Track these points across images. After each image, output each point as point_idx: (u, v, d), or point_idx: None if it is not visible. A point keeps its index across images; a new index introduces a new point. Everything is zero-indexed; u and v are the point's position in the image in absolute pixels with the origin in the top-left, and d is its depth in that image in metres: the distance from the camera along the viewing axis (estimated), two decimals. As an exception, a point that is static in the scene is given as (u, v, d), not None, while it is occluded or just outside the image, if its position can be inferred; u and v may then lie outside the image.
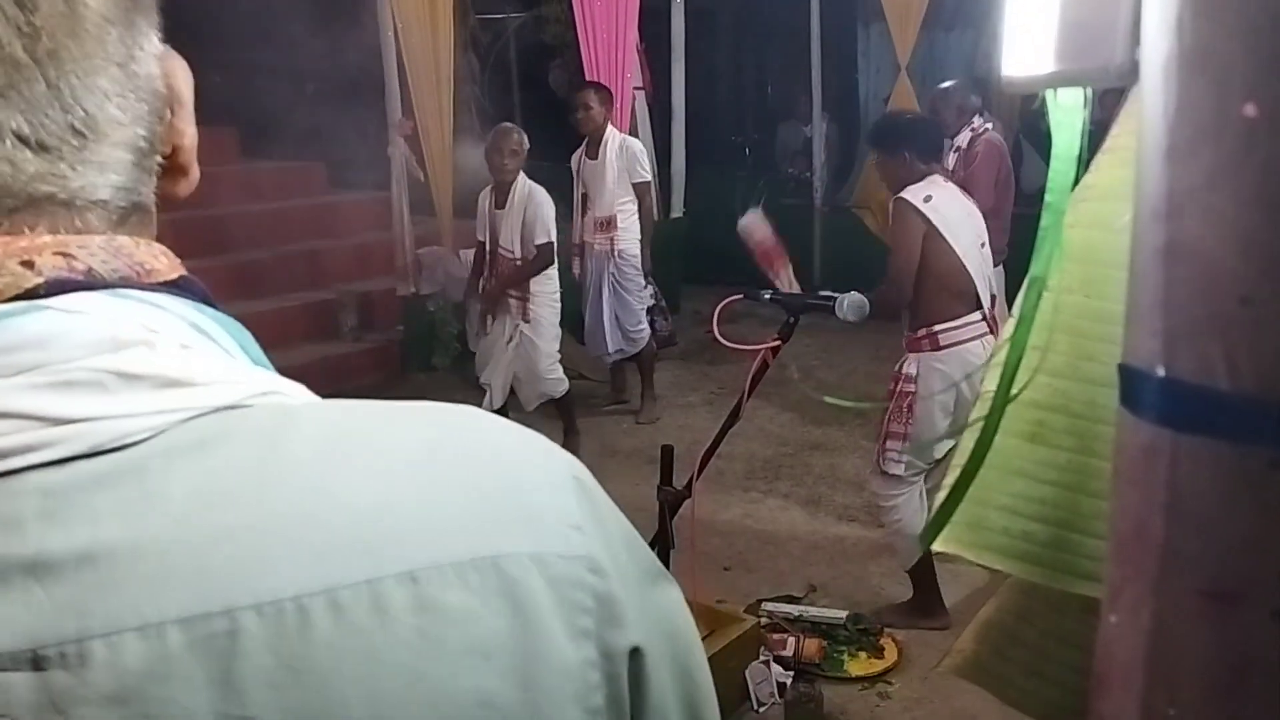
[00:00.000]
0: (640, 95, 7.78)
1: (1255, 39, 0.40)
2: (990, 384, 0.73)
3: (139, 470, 0.42)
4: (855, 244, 7.54)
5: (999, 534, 0.76)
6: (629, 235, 5.87)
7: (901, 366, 3.56)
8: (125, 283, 0.45)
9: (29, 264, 0.42)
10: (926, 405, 3.46)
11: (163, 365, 0.44)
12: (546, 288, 5.34)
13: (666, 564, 3.04)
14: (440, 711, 0.43)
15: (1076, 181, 0.58)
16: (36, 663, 0.39)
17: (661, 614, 0.52)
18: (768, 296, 2.63)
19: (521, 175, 5.30)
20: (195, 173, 0.53)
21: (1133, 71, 0.47)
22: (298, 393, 0.50)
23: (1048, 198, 0.57)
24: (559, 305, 5.46)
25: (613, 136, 5.83)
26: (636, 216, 5.85)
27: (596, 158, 5.83)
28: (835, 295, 2.39)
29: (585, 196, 5.98)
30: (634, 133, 6.89)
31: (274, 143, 7.87)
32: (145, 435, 0.43)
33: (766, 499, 4.94)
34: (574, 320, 6.36)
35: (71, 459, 0.41)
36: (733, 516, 4.73)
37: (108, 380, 0.42)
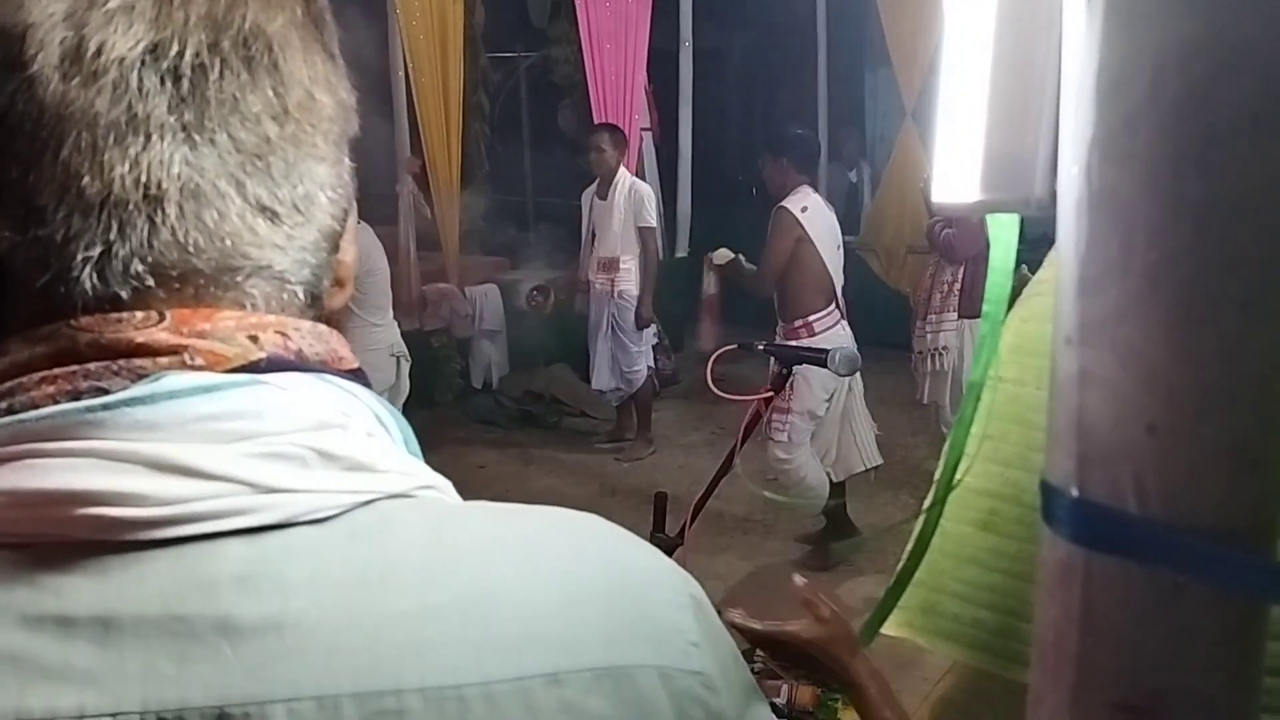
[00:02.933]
0: (648, 136, 7.85)
1: (1156, 184, 0.43)
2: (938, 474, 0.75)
3: (324, 548, 0.45)
4: (860, 284, 7.57)
5: (950, 620, 0.78)
6: (630, 277, 5.91)
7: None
8: (324, 367, 0.49)
9: (254, 339, 0.46)
10: (804, 382, 4.15)
11: (354, 448, 0.47)
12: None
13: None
14: None
15: (1013, 294, 0.60)
16: None
17: None
18: (761, 347, 2.64)
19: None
20: (351, 288, 0.57)
21: (1051, 203, 0.49)
22: (448, 488, 0.54)
23: (985, 307, 0.60)
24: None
25: (623, 179, 5.89)
26: (638, 261, 5.89)
27: (606, 198, 5.89)
28: (828, 349, 2.42)
29: (593, 235, 6.04)
30: (641, 173, 6.95)
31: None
32: (333, 512, 0.46)
33: (765, 542, 4.93)
34: (579, 356, 6.39)
35: (266, 529, 0.44)
36: (730, 560, 4.72)
37: (309, 457, 0.45)
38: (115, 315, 0.45)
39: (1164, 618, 0.45)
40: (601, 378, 6.09)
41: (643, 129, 7.60)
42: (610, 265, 5.91)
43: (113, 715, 0.41)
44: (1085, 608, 0.47)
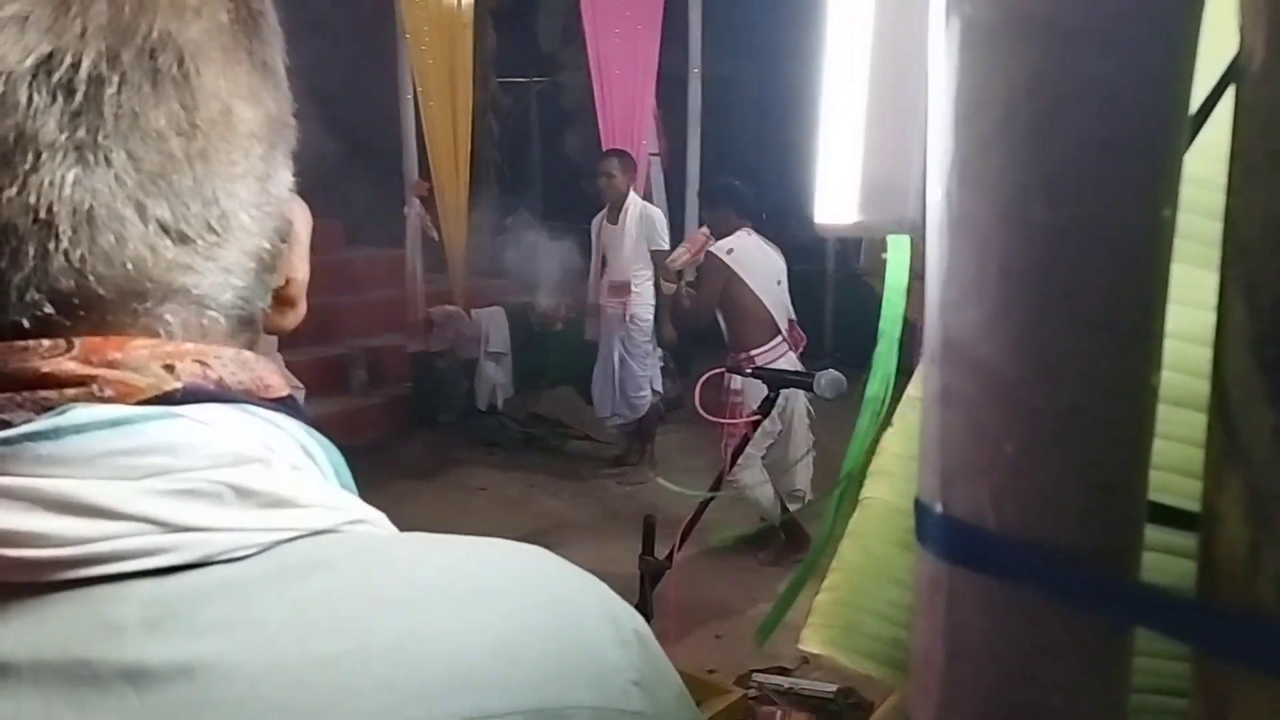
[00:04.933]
0: (656, 162, 7.90)
1: (1008, 209, 0.44)
2: (870, 490, 0.75)
3: (241, 589, 0.42)
4: (865, 310, 7.56)
5: (871, 639, 0.78)
6: (642, 300, 5.93)
7: (729, 384, 4.43)
8: (248, 396, 0.47)
9: (170, 368, 0.44)
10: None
11: (275, 483, 0.44)
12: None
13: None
14: None
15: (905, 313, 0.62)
16: None
17: None
18: (749, 371, 2.66)
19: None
20: (303, 308, 0.55)
21: (923, 225, 0.50)
22: (381, 521, 0.52)
23: (881, 325, 0.61)
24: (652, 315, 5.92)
25: (634, 203, 5.91)
26: (651, 283, 5.91)
27: (616, 223, 5.92)
28: (813, 373, 2.44)
29: (604, 260, 6.06)
30: (649, 198, 6.98)
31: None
32: (251, 551, 0.43)
33: (763, 567, 4.92)
34: (584, 380, 6.40)
35: (178, 569, 0.41)
36: (727, 585, 4.71)
37: (225, 493, 0.43)
38: (20, 344, 0.42)
39: (1024, 636, 0.46)
40: (605, 404, 6.10)
41: (651, 154, 7.63)
42: (621, 289, 5.93)
43: None
44: (950, 624, 0.48)
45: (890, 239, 0.58)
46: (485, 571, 0.51)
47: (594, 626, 0.50)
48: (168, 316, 0.45)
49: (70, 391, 0.42)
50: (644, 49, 6.99)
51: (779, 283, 4.69)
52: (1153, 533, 0.48)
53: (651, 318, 5.96)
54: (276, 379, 0.49)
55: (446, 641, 0.45)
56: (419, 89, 6.58)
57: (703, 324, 4.78)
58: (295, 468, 0.47)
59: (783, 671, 3.98)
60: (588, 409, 6.48)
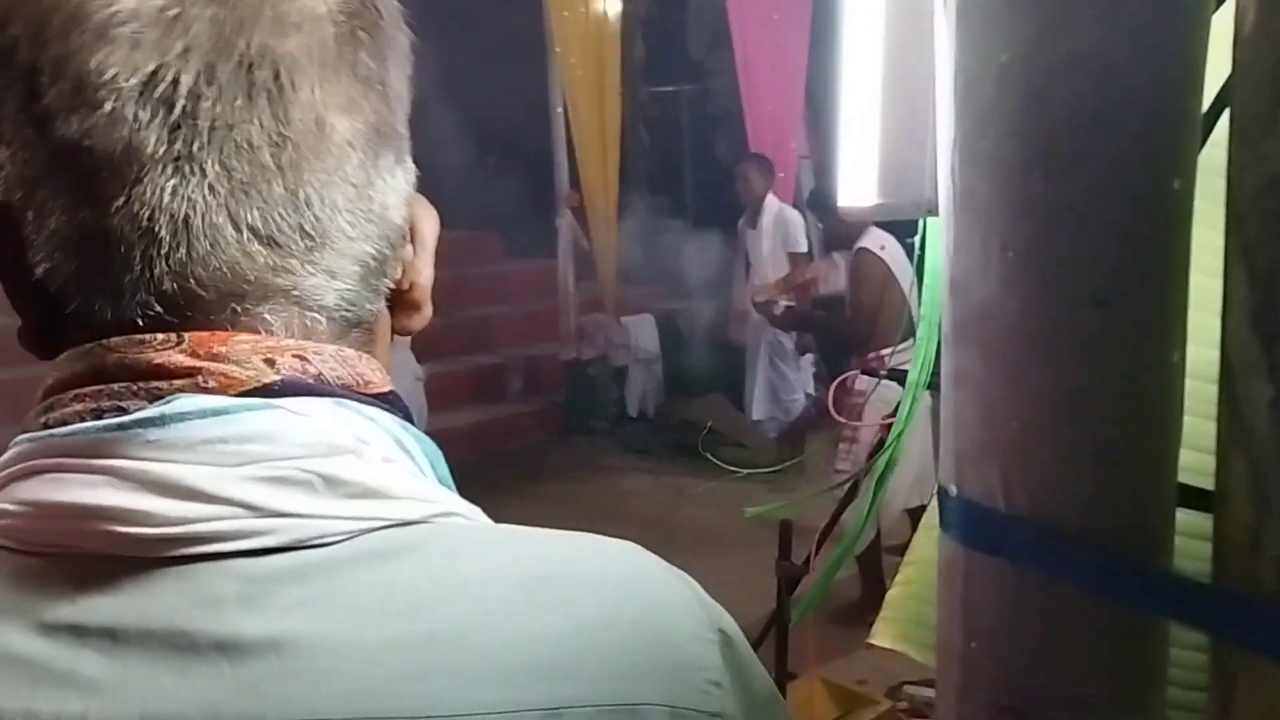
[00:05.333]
0: (806, 164, 7.82)
1: (1007, 184, 0.43)
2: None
3: (329, 570, 0.44)
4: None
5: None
6: (785, 303, 5.89)
7: (852, 386, 4.22)
8: (346, 391, 0.48)
9: (270, 362, 0.46)
10: (873, 414, 4.08)
11: (366, 474, 0.46)
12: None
13: (784, 639, 3.00)
14: None
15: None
16: None
17: None
18: (884, 374, 2.61)
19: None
20: (429, 310, 0.56)
21: (937, 206, 0.50)
22: (475, 514, 0.52)
23: (921, 309, 0.59)
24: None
25: (770, 206, 5.90)
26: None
27: (756, 227, 5.93)
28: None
29: (746, 265, 6.07)
30: (799, 200, 6.93)
31: (455, 214, 8.29)
32: (340, 538, 0.45)
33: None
34: (735, 386, 6.39)
35: (271, 551, 0.44)
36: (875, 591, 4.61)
37: (316, 482, 0.45)
38: (139, 337, 0.46)
39: (1036, 618, 0.45)
40: (760, 406, 6.08)
41: (801, 157, 7.57)
42: (766, 291, 5.92)
43: None
44: (966, 607, 0.47)
45: (929, 221, 0.58)
46: (566, 561, 0.51)
47: (675, 622, 0.49)
48: (267, 316, 0.47)
49: (178, 382, 0.45)
50: (792, 51, 6.93)
51: (912, 285, 4.52)
52: (1191, 517, 0.46)
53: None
54: (378, 376, 0.51)
55: (519, 628, 0.46)
56: (568, 101, 6.72)
57: (862, 331, 4.46)
58: (387, 460, 0.48)
59: (934, 685, 3.88)
60: (739, 415, 6.46)
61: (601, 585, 0.50)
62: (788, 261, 5.85)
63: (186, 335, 0.45)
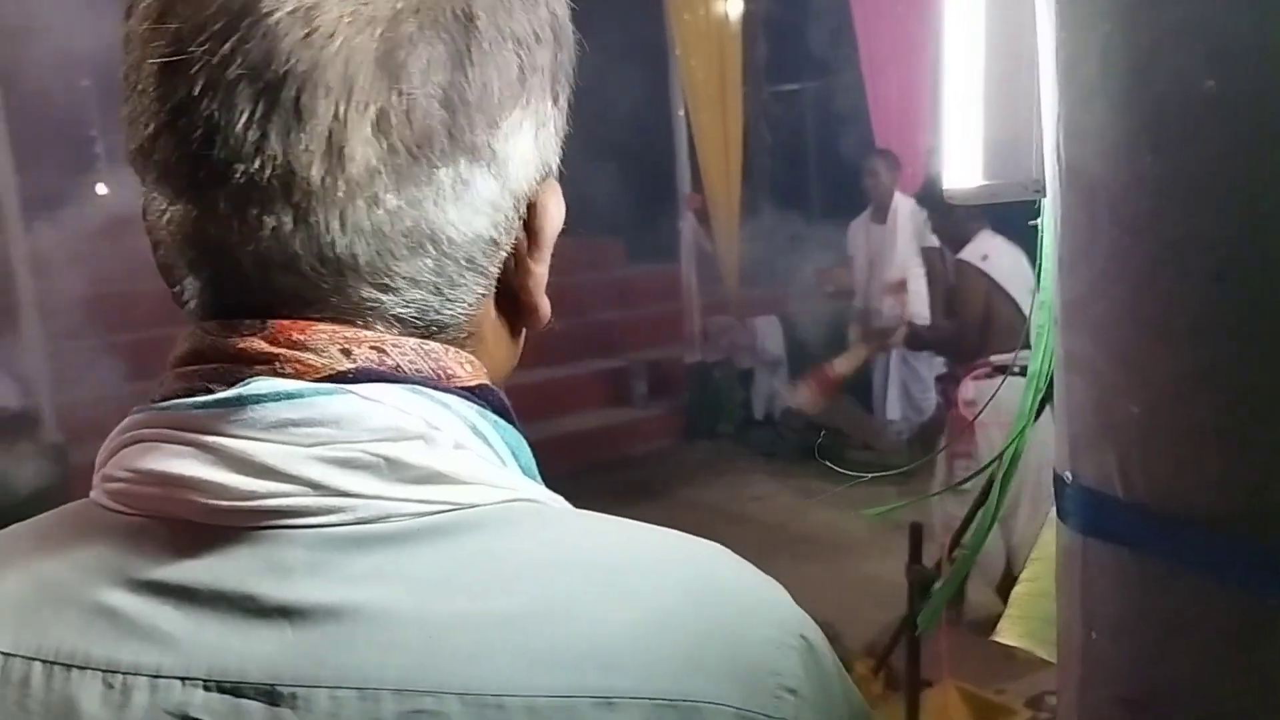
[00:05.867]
0: (936, 158, 7.67)
1: (1116, 161, 0.42)
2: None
3: (395, 545, 0.46)
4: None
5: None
6: (919, 299, 5.76)
7: (961, 394, 4.12)
8: (424, 382, 0.49)
9: (347, 352, 0.48)
10: (986, 425, 3.87)
11: (434, 460, 0.47)
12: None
13: (917, 645, 2.93)
14: None
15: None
16: (272, 697, 0.44)
17: None
18: (1015, 371, 2.53)
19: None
20: (545, 309, 0.56)
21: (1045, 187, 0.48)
22: (556, 503, 0.53)
23: (1039, 296, 0.57)
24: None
25: (901, 202, 5.78)
26: (925, 280, 5.75)
27: (884, 223, 5.82)
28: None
29: (870, 262, 5.97)
30: (928, 194, 6.79)
31: (577, 220, 8.41)
32: (405, 519, 0.46)
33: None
34: (861, 388, 6.30)
35: (338, 526, 0.46)
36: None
37: (382, 465, 0.46)
38: (231, 322, 0.48)
39: (1158, 608, 0.43)
40: (893, 406, 5.97)
41: (929, 151, 7.42)
42: (898, 288, 5.80)
43: (183, 677, 0.45)
44: (1085, 597, 0.46)
45: (1045, 203, 0.56)
46: (642, 553, 0.51)
47: (752, 624, 0.48)
48: (350, 310, 0.48)
49: (258, 367, 0.47)
50: (918, 41, 6.79)
51: (1029, 289, 4.29)
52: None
53: (929, 315, 5.78)
54: (466, 370, 0.51)
55: (585, 614, 0.46)
56: (690, 103, 6.74)
57: (967, 344, 4.33)
58: (460, 446, 0.49)
59: (1078, 691, 3.74)
60: (867, 417, 6.36)
61: (676, 579, 0.49)
62: (921, 257, 5.72)
63: (270, 323, 0.47)
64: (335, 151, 0.46)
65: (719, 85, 6.75)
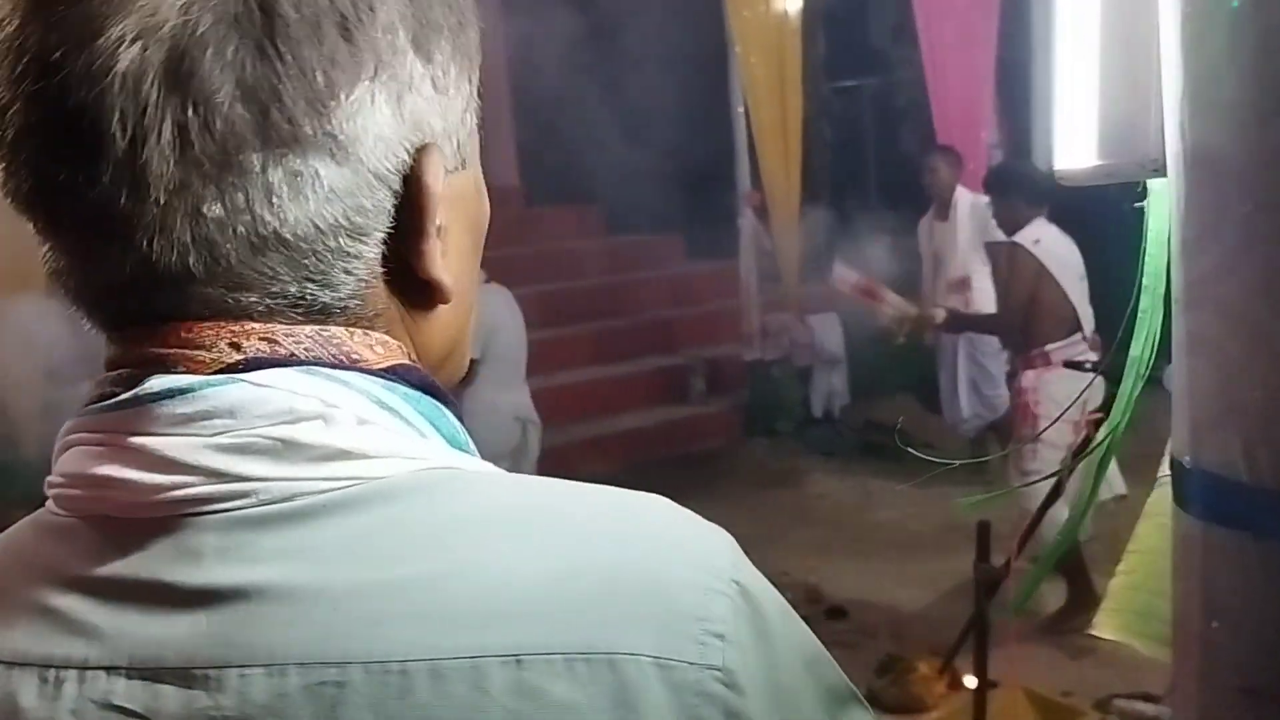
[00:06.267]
0: (998, 153, 7.55)
1: (1246, 136, 0.41)
2: (1168, 466, 0.69)
3: (299, 522, 0.47)
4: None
5: (1168, 625, 0.72)
6: (984, 296, 5.65)
7: (1020, 383, 4.25)
8: (320, 363, 0.49)
9: (236, 345, 0.48)
10: (1048, 412, 4.02)
11: (334, 438, 0.47)
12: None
13: (984, 646, 2.90)
14: None
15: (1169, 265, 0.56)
16: (187, 680, 0.45)
17: None
18: (1088, 366, 2.49)
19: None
20: (448, 283, 0.53)
21: (1165, 165, 0.47)
22: (482, 469, 0.52)
23: (1145, 281, 0.56)
24: None
25: (963, 197, 5.69)
26: (990, 277, 5.66)
27: (947, 219, 5.75)
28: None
29: (935, 260, 5.88)
30: (989, 185, 6.70)
31: (636, 217, 8.45)
32: (308, 497, 0.47)
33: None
34: (923, 386, 6.23)
35: (242, 510, 0.47)
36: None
37: (279, 448, 0.47)
38: (128, 330, 0.50)
39: (1284, 594, 0.42)
40: (961, 404, 5.84)
41: (991, 145, 7.31)
42: (962, 285, 5.69)
43: (108, 668, 0.46)
44: (1205, 585, 0.45)
45: (1150, 185, 0.55)
46: (563, 506, 0.50)
47: (674, 570, 0.47)
48: (241, 302, 0.49)
49: (153, 368, 0.48)
50: (980, 37, 6.71)
51: (1081, 278, 4.33)
52: None
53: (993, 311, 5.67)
54: (374, 353, 0.51)
55: (492, 572, 0.46)
56: (749, 100, 6.71)
57: (1008, 328, 4.49)
58: (364, 421, 0.49)
59: (1149, 699, 3.65)
60: (930, 416, 6.27)
61: (595, 530, 0.48)
62: (985, 253, 5.63)
63: (159, 327, 0.49)
64: (138, 177, 0.46)
65: (778, 82, 6.71)
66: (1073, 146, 0.54)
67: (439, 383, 0.54)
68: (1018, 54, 7.09)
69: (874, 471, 6.22)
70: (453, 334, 0.57)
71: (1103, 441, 0.67)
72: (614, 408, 6.98)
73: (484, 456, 0.54)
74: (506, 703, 0.43)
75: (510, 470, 0.54)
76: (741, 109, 6.78)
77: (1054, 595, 4.23)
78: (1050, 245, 4.25)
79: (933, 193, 5.80)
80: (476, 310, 0.61)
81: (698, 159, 7.60)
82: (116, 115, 0.45)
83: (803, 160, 6.90)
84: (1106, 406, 2.53)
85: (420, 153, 0.51)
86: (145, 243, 0.46)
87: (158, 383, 0.47)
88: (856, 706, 0.53)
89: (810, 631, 0.52)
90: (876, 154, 9.34)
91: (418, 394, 0.51)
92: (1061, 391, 3.98)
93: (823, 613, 4.36)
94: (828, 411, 6.99)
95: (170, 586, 0.46)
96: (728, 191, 7.12)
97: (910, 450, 1.16)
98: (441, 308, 0.54)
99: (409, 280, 0.52)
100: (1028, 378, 4.24)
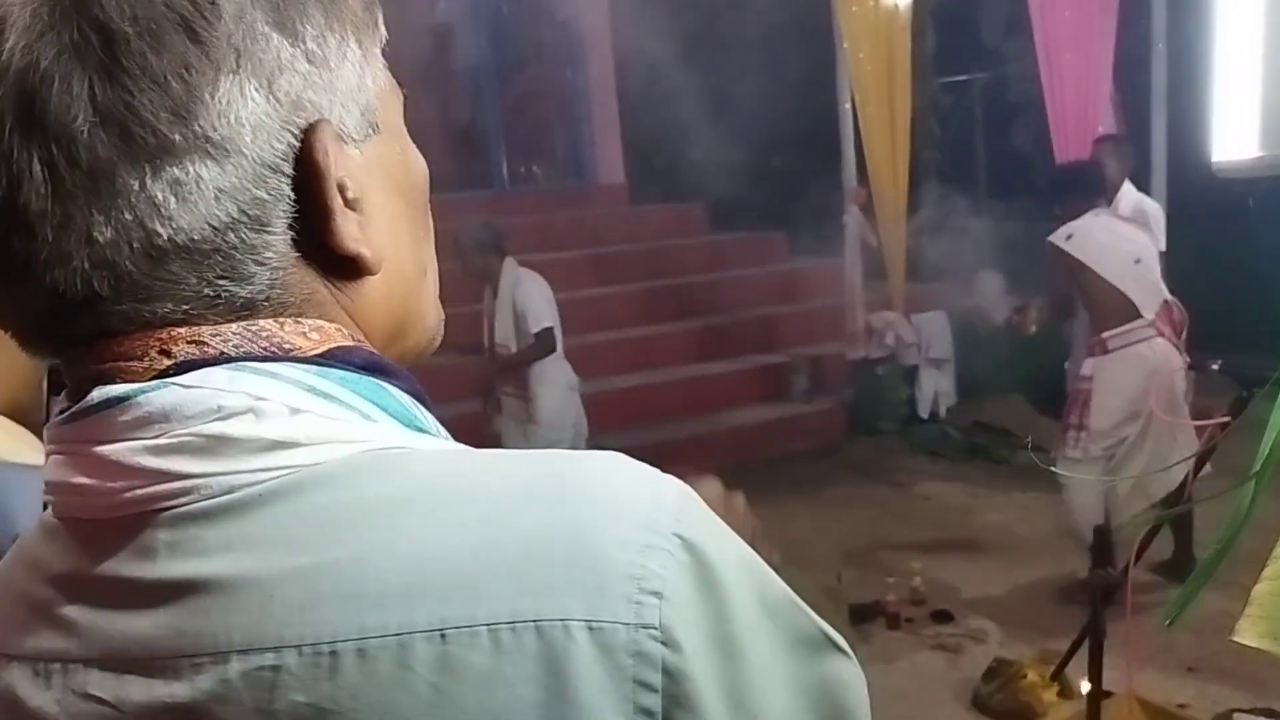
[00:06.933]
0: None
1: None
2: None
3: (239, 513, 0.48)
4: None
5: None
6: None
7: (1079, 370, 4.43)
8: (249, 358, 0.50)
9: (166, 352, 0.49)
10: (1101, 399, 4.22)
11: (266, 429, 0.48)
12: None
13: (1099, 654, 2.81)
14: None
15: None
16: (148, 669, 0.48)
17: (806, 686, 0.49)
18: (1215, 367, 2.38)
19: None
20: (366, 253, 0.53)
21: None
22: (432, 446, 0.53)
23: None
24: None
25: (1128, 195, 5.37)
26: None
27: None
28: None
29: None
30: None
31: (739, 215, 8.43)
32: (247, 488, 0.48)
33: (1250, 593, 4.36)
34: (1032, 386, 6.07)
35: (189, 505, 0.48)
36: (1205, 611, 4.22)
37: (214, 445, 0.48)
38: (69, 352, 0.52)
39: None
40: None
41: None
42: None
43: (84, 660, 0.49)
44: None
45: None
46: (492, 478, 0.49)
47: (605, 527, 0.46)
48: (158, 312, 0.50)
49: (96, 382, 0.50)
50: (1098, 28, 6.50)
51: (1138, 261, 4.33)
52: None
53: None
54: (308, 340, 0.51)
55: (418, 547, 0.46)
56: (857, 97, 6.62)
57: (1059, 317, 4.73)
58: (297, 411, 0.49)
59: (1271, 714, 3.50)
60: (1039, 418, 6.11)
61: (522, 497, 0.48)
62: None
63: (94, 345, 0.50)
64: (23, 219, 0.47)
65: (887, 77, 6.62)
66: (1232, 137, 0.51)
67: (388, 360, 0.54)
68: (1137, 47, 6.85)
69: (981, 473, 6.10)
70: (395, 303, 0.57)
71: (1266, 453, 0.64)
72: (716, 405, 6.97)
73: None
74: (431, 678, 0.44)
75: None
76: (849, 105, 6.70)
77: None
78: (1085, 238, 4.30)
79: (1102, 189, 5.57)
80: (433, 272, 0.60)
81: (802, 155, 7.55)
82: None
83: (910, 156, 6.79)
84: (1236, 408, 2.43)
85: (307, 132, 0.50)
86: (48, 277, 0.48)
87: (98, 394, 0.49)
88: (833, 652, 0.51)
89: (777, 579, 0.50)
90: (987, 150, 9.13)
91: (356, 376, 0.51)
92: (1120, 378, 4.20)
93: (928, 615, 4.29)
94: (934, 412, 6.87)
95: (131, 582, 0.49)
96: (832, 188, 7.05)
97: (1033, 457, 1.13)
98: (372, 280, 0.54)
99: (330, 258, 0.52)
100: (1087, 365, 4.33)
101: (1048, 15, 6.47)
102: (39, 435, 1.22)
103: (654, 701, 0.44)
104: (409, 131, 0.59)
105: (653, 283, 7.76)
